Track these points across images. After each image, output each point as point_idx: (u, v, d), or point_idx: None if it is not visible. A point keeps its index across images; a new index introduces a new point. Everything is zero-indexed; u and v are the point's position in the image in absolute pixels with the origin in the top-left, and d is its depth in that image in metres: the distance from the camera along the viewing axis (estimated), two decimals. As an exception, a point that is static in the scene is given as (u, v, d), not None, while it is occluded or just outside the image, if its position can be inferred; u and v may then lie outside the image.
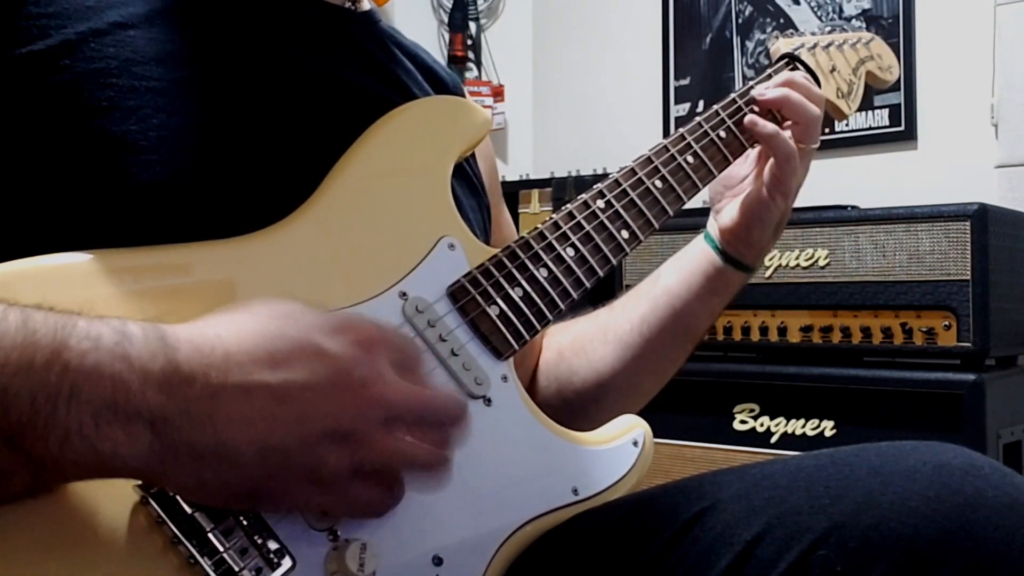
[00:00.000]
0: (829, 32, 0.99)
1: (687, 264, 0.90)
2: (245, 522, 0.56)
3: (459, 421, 0.60)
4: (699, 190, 0.84)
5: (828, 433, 1.79)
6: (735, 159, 0.87)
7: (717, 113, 0.87)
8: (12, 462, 0.48)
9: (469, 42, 3.08)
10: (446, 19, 3.09)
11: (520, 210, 2.79)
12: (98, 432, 0.48)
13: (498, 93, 3.04)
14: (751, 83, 0.90)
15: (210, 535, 0.55)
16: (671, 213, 0.82)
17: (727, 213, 0.88)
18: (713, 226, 0.90)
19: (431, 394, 0.59)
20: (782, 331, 1.86)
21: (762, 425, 1.87)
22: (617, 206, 0.79)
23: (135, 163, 0.64)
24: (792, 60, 0.95)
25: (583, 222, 0.77)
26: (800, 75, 0.91)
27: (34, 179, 0.64)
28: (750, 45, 2.69)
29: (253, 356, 0.53)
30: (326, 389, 0.54)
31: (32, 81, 0.64)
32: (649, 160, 0.82)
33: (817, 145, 0.88)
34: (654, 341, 0.89)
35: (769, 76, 0.91)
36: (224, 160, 0.68)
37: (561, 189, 2.74)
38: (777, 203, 0.86)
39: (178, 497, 0.55)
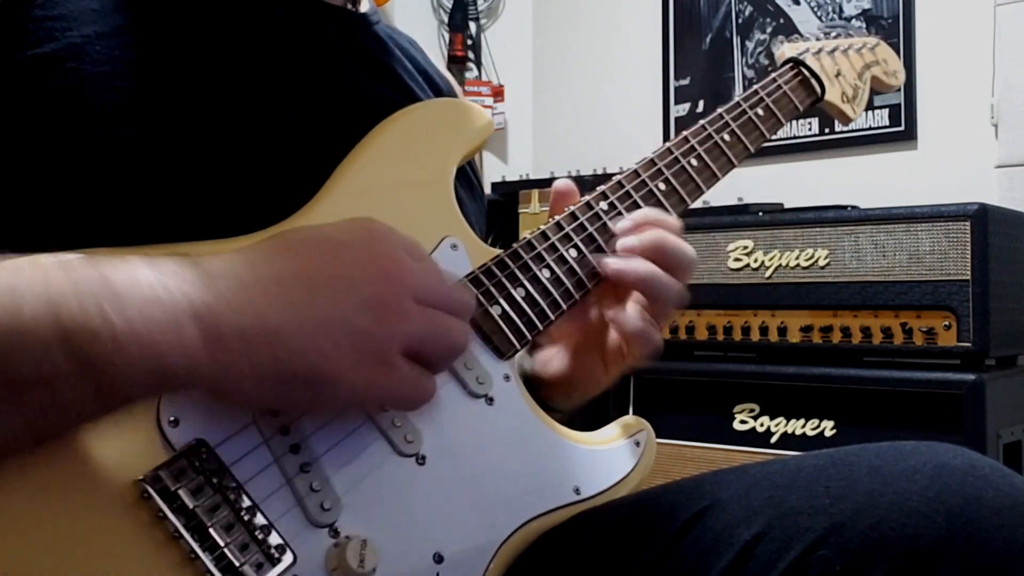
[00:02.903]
0: (834, 37, 0.99)
1: None
2: (246, 517, 0.56)
3: (468, 306, 0.62)
4: (702, 193, 0.84)
5: (828, 433, 1.79)
6: (739, 162, 0.87)
7: (721, 116, 0.87)
8: (70, 365, 0.48)
9: (469, 42, 3.08)
10: (446, 19, 3.09)
11: (520, 210, 2.78)
12: (147, 326, 0.50)
13: (498, 93, 3.05)
14: (755, 87, 0.90)
15: (211, 530, 0.55)
16: (673, 215, 0.82)
17: (556, 362, 0.81)
18: (529, 362, 0.82)
19: (443, 276, 0.62)
20: (782, 331, 1.86)
21: (762, 425, 1.87)
22: (620, 208, 0.79)
23: (141, 167, 0.64)
24: (797, 64, 0.95)
25: (586, 223, 0.77)
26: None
27: (39, 182, 0.64)
28: (750, 45, 2.69)
29: (272, 252, 0.57)
30: (354, 266, 0.57)
31: (38, 84, 0.64)
32: (652, 162, 0.82)
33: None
34: None
35: (773, 80, 0.91)
36: (230, 163, 0.68)
37: (561, 189, 2.74)
38: (611, 373, 0.80)
39: (180, 492, 0.54)
